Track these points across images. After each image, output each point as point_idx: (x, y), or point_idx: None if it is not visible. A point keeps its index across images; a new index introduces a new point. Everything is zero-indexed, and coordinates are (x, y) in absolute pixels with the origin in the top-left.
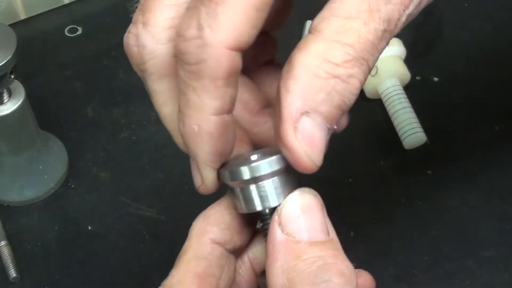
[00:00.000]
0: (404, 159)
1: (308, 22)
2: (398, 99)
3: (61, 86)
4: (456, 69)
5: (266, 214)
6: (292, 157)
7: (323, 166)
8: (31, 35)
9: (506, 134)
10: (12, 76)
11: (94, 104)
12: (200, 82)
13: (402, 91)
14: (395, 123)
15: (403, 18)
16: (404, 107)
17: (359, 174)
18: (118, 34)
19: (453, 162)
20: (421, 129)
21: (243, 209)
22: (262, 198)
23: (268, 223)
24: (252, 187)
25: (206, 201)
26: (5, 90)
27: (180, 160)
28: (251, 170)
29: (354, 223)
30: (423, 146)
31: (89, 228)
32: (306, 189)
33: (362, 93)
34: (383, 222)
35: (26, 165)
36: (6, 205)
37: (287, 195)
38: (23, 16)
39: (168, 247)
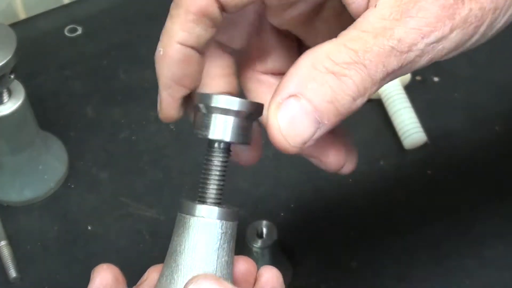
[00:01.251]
0: (404, 159)
1: None
2: (398, 99)
3: (61, 86)
4: (456, 69)
5: (214, 146)
6: (268, 130)
7: None
8: (31, 35)
9: (506, 134)
10: (12, 76)
11: (94, 104)
12: (176, 11)
13: (402, 91)
14: (395, 123)
15: (421, 45)
16: (404, 107)
17: (359, 174)
18: (118, 34)
19: (453, 162)
20: (421, 129)
21: (198, 132)
22: (217, 129)
23: (212, 156)
24: (214, 116)
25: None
26: (5, 90)
27: (180, 160)
28: (218, 99)
29: (354, 223)
30: (423, 146)
31: (89, 228)
32: (195, 278)
33: None
34: (383, 222)
35: (26, 165)
36: (6, 205)
37: (244, 140)
38: (23, 16)
39: (168, 247)
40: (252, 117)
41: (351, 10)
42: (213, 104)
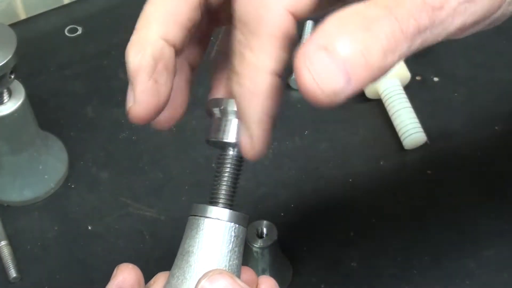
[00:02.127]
0: (404, 159)
1: (309, 22)
2: (398, 99)
3: (61, 86)
4: (456, 69)
5: (228, 150)
6: (298, 82)
7: (323, 166)
8: (31, 35)
9: (506, 134)
10: (12, 76)
11: (94, 104)
12: (259, 40)
13: (402, 91)
14: (395, 123)
15: (453, 3)
16: (404, 107)
17: (359, 174)
18: (118, 34)
19: (453, 162)
20: (421, 129)
21: (212, 137)
22: (231, 133)
23: (226, 159)
24: (229, 119)
25: (205, 202)
26: (5, 90)
27: (180, 160)
28: (226, 102)
29: (354, 223)
30: (423, 146)
31: (89, 228)
32: (210, 272)
33: (362, 93)
34: (383, 222)
35: (26, 165)
36: (6, 205)
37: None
38: (23, 16)
39: (168, 247)
40: None
41: None
42: (229, 108)
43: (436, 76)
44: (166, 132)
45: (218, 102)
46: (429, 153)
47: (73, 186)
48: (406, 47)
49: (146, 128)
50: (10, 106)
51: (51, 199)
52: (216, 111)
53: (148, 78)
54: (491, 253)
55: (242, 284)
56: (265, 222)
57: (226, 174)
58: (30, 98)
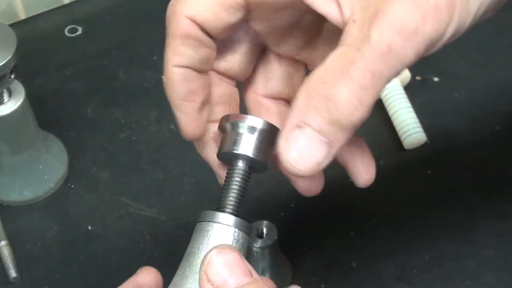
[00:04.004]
0: (404, 159)
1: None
2: (398, 99)
3: (61, 86)
4: (456, 69)
5: (237, 161)
6: (281, 163)
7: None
8: (31, 35)
9: (506, 134)
10: (12, 76)
11: (94, 104)
12: (167, 40)
13: (402, 91)
14: (395, 123)
15: (399, 42)
16: (404, 107)
17: None
18: (118, 34)
19: (453, 162)
20: (421, 129)
21: (222, 151)
22: (242, 145)
23: (235, 169)
24: (240, 133)
25: (206, 201)
26: (5, 90)
27: (180, 160)
28: (236, 118)
29: (354, 223)
30: (423, 146)
31: (89, 228)
32: (221, 245)
33: None
34: (383, 222)
35: (26, 165)
36: (6, 205)
37: (263, 159)
38: (23, 16)
39: (168, 247)
40: (273, 139)
41: (331, 21)
42: (239, 123)
43: (436, 76)
44: (166, 132)
45: (229, 118)
46: (429, 153)
47: (73, 186)
48: (371, 95)
49: (146, 128)
50: (10, 106)
51: (51, 199)
52: (228, 126)
53: (187, 114)
54: (491, 253)
55: (247, 264)
56: (265, 222)
57: (234, 184)
58: (30, 98)
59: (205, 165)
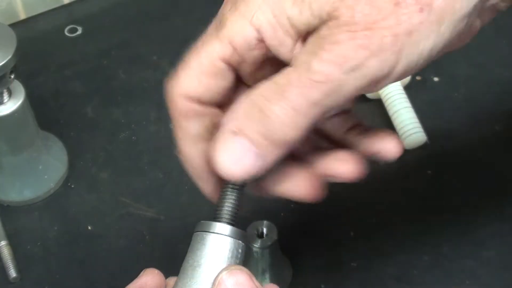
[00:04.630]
0: (404, 159)
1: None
2: (398, 99)
3: (61, 86)
4: (456, 69)
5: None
6: (213, 164)
7: None
8: (31, 35)
9: (506, 134)
10: (12, 76)
11: (94, 104)
12: (172, 120)
13: (402, 91)
14: (395, 123)
15: (337, 75)
16: (404, 107)
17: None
18: (118, 34)
19: (453, 162)
20: (421, 129)
21: None
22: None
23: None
24: None
25: (206, 201)
26: (5, 90)
27: (180, 160)
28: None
29: (354, 223)
30: (423, 146)
31: (89, 228)
32: (233, 268)
33: None
34: (383, 222)
35: (26, 165)
36: (6, 205)
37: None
38: (23, 16)
39: (168, 247)
40: None
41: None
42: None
43: (436, 76)
44: (166, 132)
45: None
46: (429, 153)
47: (73, 186)
48: (305, 119)
49: (146, 128)
50: (10, 106)
51: (51, 199)
52: None
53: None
54: (491, 253)
55: (257, 284)
56: (265, 222)
57: (229, 194)
58: (30, 98)
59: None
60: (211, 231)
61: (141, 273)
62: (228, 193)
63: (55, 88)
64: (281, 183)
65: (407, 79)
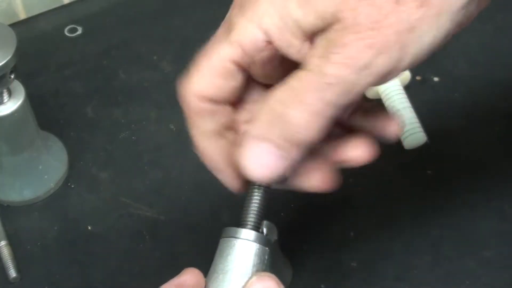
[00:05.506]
0: (404, 159)
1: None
2: (398, 99)
3: (61, 86)
4: (456, 69)
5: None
6: (241, 170)
7: None
8: (31, 35)
9: (506, 134)
10: (12, 76)
11: (94, 104)
12: (187, 120)
13: (402, 91)
14: None
15: (348, 75)
16: (404, 107)
17: (359, 174)
18: (118, 34)
19: (453, 162)
20: (421, 129)
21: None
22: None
23: (253, 186)
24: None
25: (206, 202)
26: (5, 90)
27: (180, 160)
28: None
29: (354, 223)
30: (423, 146)
31: (89, 228)
32: (262, 274)
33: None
34: (383, 222)
35: (26, 165)
36: (6, 205)
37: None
38: (23, 16)
39: (168, 247)
40: None
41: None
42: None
43: (436, 76)
44: (166, 132)
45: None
46: (429, 153)
47: (73, 186)
48: (322, 119)
49: (146, 128)
50: (10, 106)
51: (51, 199)
52: None
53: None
54: (491, 253)
55: None
56: (265, 222)
57: (255, 199)
58: (30, 98)
59: (205, 165)
60: (238, 237)
61: (181, 272)
62: (255, 196)
63: (55, 88)
64: (297, 177)
65: (407, 79)
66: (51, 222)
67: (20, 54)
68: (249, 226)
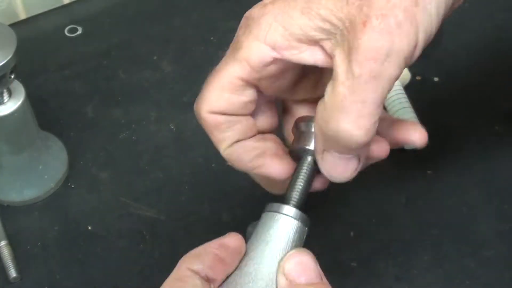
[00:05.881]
0: (404, 159)
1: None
2: (398, 99)
3: (61, 86)
4: (456, 69)
5: (308, 157)
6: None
7: None
8: (31, 35)
9: (506, 134)
10: (12, 76)
11: (94, 104)
12: (208, 134)
13: (402, 91)
14: None
15: (373, 67)
16: (404, 107)
17: (359, 174)
18: (118, 34)
19: (453, 162)
20: None
21: (295, 146)
22: (309, 141)
23: (301, 164)
24: (307, 132)
25: (206, 201)
26: (5, 90)
27: (180, 160)
28: (311, 119)
29: (354, 223)
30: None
31: (89, 228)
32: (301, 249)
33: None
34: (383, 222)
35: (26, 165)
36: (6, 205)
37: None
38: (23, 16)
39: (168, 247)
40: None
41: (323, 66)
42: (313, 124)
43: (436, 76)
44: (166, 132)
45: (304, 119)
46: (429, 153)
47: (73, 186)
48: (370, 118)
49: (146, 128)
50: (10, 106)
51: (51, 199)
52: (303, 125)
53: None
54: (491, 253)
55: (319, 269)
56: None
57: (301, 178)
58: (30, 98)
59: (205, 165)
60: (282, 212)
61: (226, 234)
62: (302, 173)
63: (55, 88)
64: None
65: (407, 79)
66: (51, 222)
67: (20, 54)
68: (292, 203)
